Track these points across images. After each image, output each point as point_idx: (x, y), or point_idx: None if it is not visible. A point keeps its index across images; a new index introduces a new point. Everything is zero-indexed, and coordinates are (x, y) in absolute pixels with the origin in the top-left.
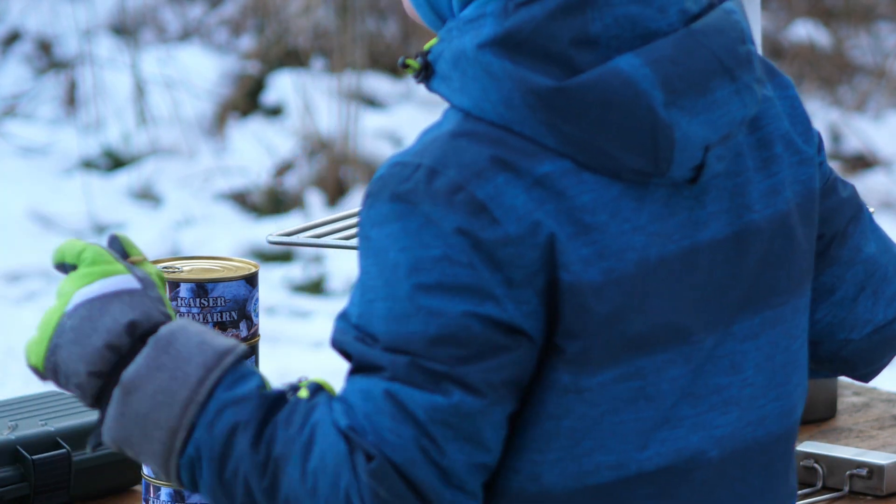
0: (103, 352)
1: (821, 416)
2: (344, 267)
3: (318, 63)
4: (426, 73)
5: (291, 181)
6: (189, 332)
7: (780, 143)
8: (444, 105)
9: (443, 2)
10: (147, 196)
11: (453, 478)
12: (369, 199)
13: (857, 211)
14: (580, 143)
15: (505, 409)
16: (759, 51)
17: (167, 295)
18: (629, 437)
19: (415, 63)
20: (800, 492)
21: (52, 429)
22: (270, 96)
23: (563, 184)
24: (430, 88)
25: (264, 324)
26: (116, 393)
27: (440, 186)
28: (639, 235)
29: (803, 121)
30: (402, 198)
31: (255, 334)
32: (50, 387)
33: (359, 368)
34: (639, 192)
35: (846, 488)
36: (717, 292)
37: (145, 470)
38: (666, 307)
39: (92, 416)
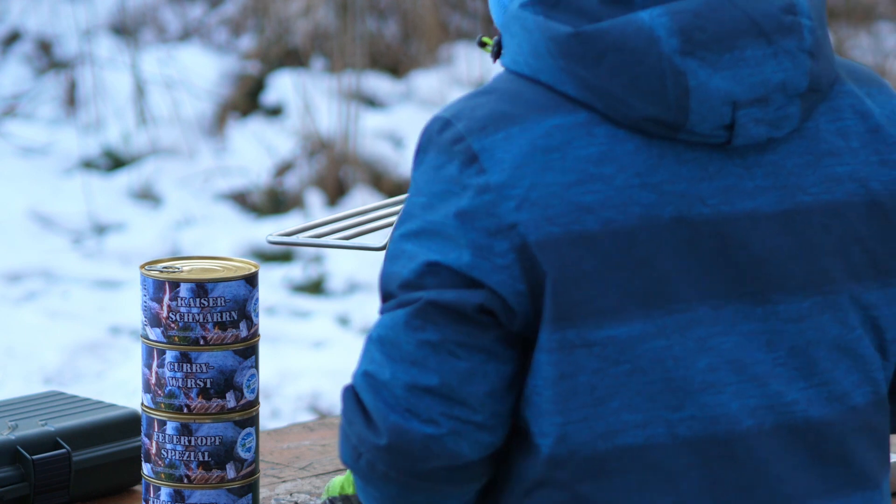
0: None
1: None
2: (344, 267)
3: (318, 63)
4: (499, 50)
5: (291, 181)
6: None
7: (859, 139)
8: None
9: None
10: (147, 196)
11: (399, 398)
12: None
13: None
14: (597, 90)
15: (470, 355)
16: None
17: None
18: (658, 397)
19: (490, 41)
20: None
21: (52, 429)
22: (270, 96)
23: (572, 134)
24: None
25: (264, 324)
26: None
27: (447, 136)
28: (648, 192)
29: None
30: (420, 147)
31: (255, 334)
32: (50, 386)
33: None
34: (662, 150)
35: None
36: (755, 265)
37: (145, 470)
38: (687, 267)
39: (92, 415)
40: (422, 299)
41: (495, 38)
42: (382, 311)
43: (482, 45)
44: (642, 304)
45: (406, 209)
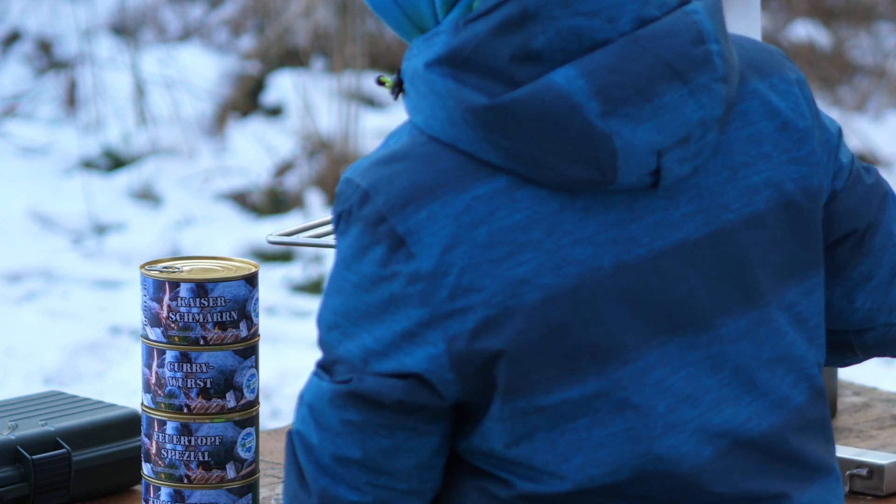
0: None
1: None
2: None
3: (318, 63)
4: (400, 89)
5: (291, 181)
6: None
7: (769, 141)
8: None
9: (427, 21)
10: (147, 196)
11: (325, 466)
12: (333, 206)
13: (883, 196)
14: (521, 158)
15: (397, 431)
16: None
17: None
18: (623, 448)
19: (389, 80)
20: None
21: (52, 429)
22: (270, 96)
23: (494, 204)
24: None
25: (264, 324)
26: None
27: (368, 214)
28: (583, 247)
29: (805, 117)
30: (343, 217)
31: (255, 334)
32: (50, 386)
33: None
34: (587, 202)
35: (846, 488)
36: (695, 294)
37: (145, 470)
38: (631, 313)
39: (92, 415)
40: (346, 384)
41: (394, 75)
42: (316, 370)
43: (380, 83)
44: (594, 361)
45: (337, 280)
